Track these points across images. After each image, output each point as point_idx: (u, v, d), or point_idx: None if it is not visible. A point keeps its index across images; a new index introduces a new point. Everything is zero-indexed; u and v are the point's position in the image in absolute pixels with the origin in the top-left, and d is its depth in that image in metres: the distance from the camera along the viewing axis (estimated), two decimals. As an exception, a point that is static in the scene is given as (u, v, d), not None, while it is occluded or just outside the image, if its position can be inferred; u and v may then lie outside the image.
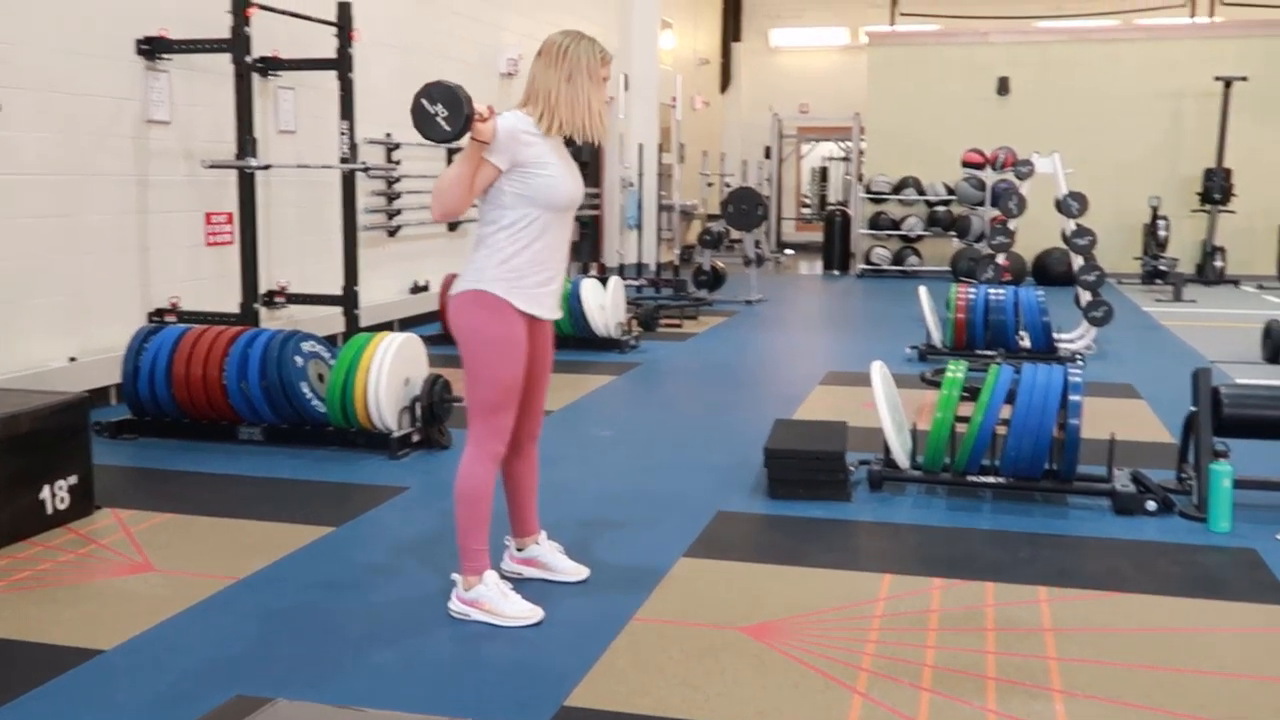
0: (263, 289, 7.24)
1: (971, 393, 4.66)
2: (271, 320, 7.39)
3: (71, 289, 6.04)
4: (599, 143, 3.35)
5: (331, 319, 7.52)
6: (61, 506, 4.10)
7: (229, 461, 5.06)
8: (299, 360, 5.28)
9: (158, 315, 6.49)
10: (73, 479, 4.15)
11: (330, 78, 7.17)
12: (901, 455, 4.68)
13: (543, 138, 3.25)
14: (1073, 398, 4.43)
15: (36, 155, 5.79)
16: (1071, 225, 8.51)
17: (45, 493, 4.03)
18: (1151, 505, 4.39)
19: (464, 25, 10.39)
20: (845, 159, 20.81)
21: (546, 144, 3.26)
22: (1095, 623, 3.35)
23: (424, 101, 3.07)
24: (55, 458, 4.08)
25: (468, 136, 3.11)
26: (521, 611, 3.30)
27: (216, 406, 5.33)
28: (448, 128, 3.06)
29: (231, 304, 6.54)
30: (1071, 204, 8.51)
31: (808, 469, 4.56)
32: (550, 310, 3.38)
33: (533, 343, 3.37)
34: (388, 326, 8.68)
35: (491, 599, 3.30)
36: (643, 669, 3.00)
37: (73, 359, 5.95)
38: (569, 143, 3.38)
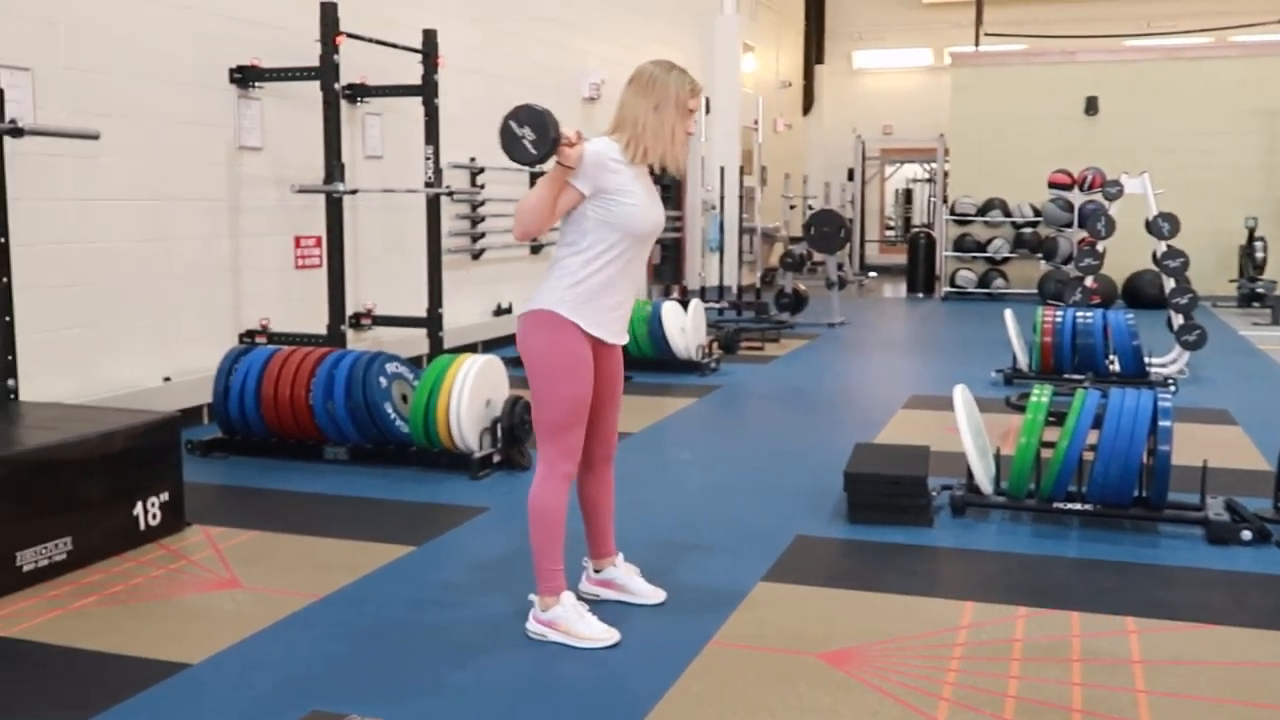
0: (350, 311, 7.38)
1: (1058, 417, 4.57)
2: (358, 341, 7.53)
3: (166, 311, 6.22)
4: (681, 174, 3.36)
5: (416, 340, 7.64)
6: (153, 522, 4.21)
7: (314, 480, 5.16)
8: (383, 381, 5.36)
9: (248, 336, 6.65)
10: (164, 496, 4.26)
11: (416, 104, 7.32)
12: (985, 480, 4.60)
13: (628, 165, 3.28)
14: (1162, 423, 4.31)
15: (133, 182, 5.98)
16: (1162, 247, 8.32)
17: (138, 509, 4.15)
18: (1246, 535, 4.26)
19: (547, 51, 10.51)
20: (930, 181, 20.62)
21: (631, 172, 3.28)
22: (1186, 656, 3.25)
23: (512, 124, 3.10)
24: (148, 475, 4.20)
25: (553, 160, 3.15)
26: (598, 633, 3.30)
27: (303, 426, 5.44)
28: (534, 151, 3.09)
29: (320, 325, 6.67)
30: (1162, 225, 8.32)
31: (888, 494, 4.50)
32: (617, 335, 3.39)
33: (600, 364, 3.38)
34: (471, 348, 8.79)
35: (568, 620, 3.31)
36: (718, 694, 2.98)
37: (167, 379, 6.12)
38: (654, 172, 3.40)
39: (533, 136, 3.08)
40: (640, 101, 3.25)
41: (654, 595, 3.64)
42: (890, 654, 3.24)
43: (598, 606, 3.51)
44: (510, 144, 3.11)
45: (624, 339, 3.44)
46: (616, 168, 3.24)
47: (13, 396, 4.58)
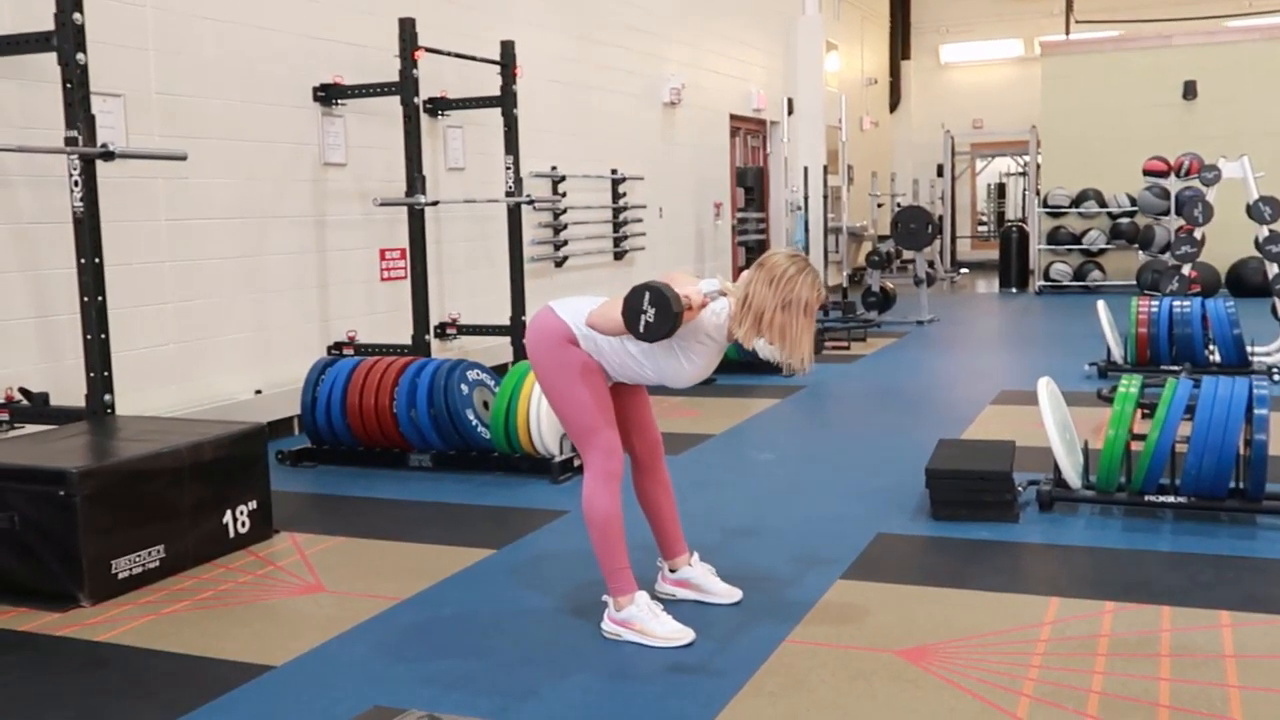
0: (435, 321, 7.50)
1: (1152, 409, 4.44)
2: (444, 351, 7.64)
3: (256, 325, 6.38)
4: (799, 370, 3.31)
5: (501, 349, 7.72)
6: (242, 530, 4.32)
7: (399, 487, 5.24)
8: (464, 388, 5.43)
9: (336, 348, 6.79)
10: (252, 504, 4.37)
11: (496, 115, 7.41)
12: (1072, 474, 4.49)
13: (721, 341, 3.31)
14: (1258, 411, 4.16)
15: (222, 200, 6.15)
16: (1264, 231, 8.03)
17: (228, 517, 4.26)
18: (1351, 526, 4.09)
19: (626, 58, 10.56)
20: (1023, 174, 20.20)
21: (717, 345, 3.33)
22: (1283, 650, 3.13)
23: (642, 298, 3.08)
24: (236, 484, 4.31)
25: None
26: (672, 632, 3.29)
27: (388, 434, 5.53)
28: (644, 334, 3.11)
29: (405, 336, 6.78)
30: (1263, 209, 8.03)
31: (971, 489, 4.42)
32: (620, 379, 3.42)
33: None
34: (556, 355, 8.84)
35: (642, 619, 3.31)
36: (793, 692, 2.95)
37: (258, 391, 6.28)
38: None
39: (653, 320, 3.09)
40: (769, 294, 3.18)
41: (730, 594, 3.62)
42: (971, 650, 3.18)
43: (674, 606, 3.51)
44: (631, 316, 3.11)
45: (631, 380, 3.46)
46: (706, 340, 3.29)
47: (110, 410, 4.73)
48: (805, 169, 12.92)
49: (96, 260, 4.69)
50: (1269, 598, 3.54)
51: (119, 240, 5.40)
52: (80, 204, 4.63)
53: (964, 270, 17.77)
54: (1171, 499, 4.35)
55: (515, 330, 7.38)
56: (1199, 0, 16.78)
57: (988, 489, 4.40)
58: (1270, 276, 8.06)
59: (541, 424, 5.20)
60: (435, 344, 7.45)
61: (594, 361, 3.33)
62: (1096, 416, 6.12)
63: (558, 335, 3.33)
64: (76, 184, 4.62)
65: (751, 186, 13.17)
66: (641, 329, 3.11)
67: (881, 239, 13.81)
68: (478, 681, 3.08)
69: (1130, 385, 4.49)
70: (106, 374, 4.73)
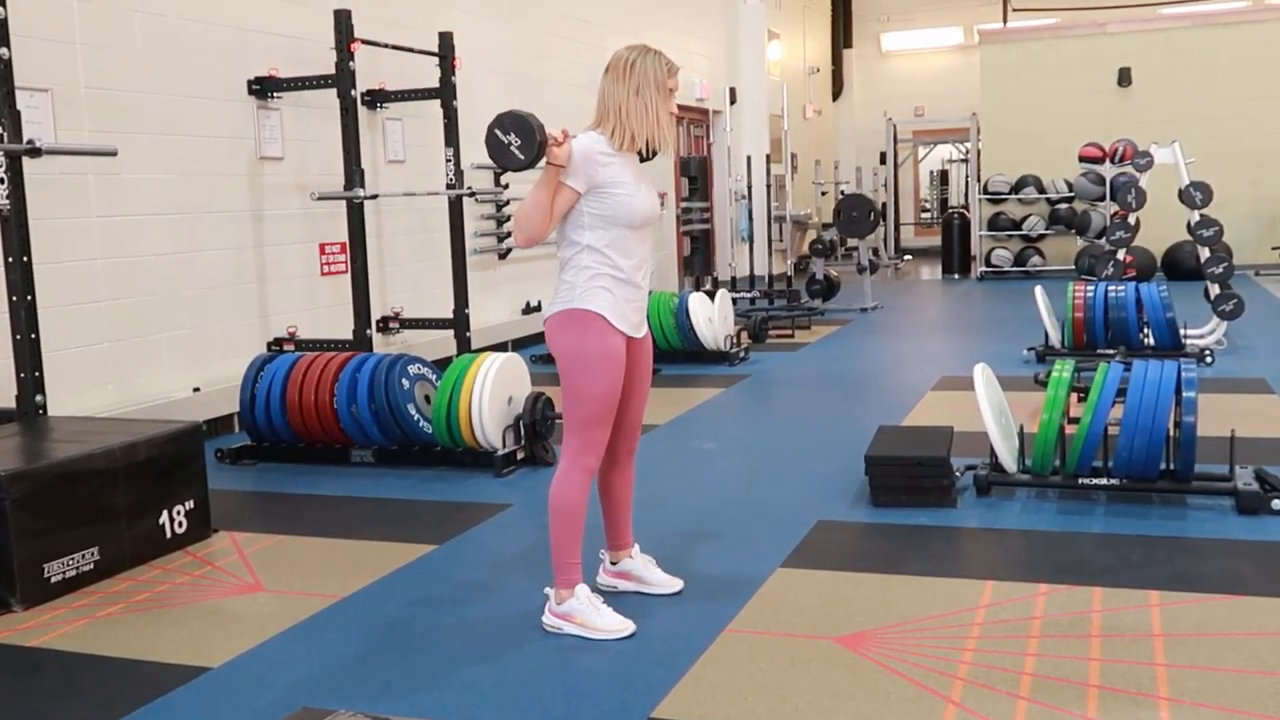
0: (377, 315, 7.45)
1: (1086, 393, 4.51)
2: (387, 345, 7.59)
3: (194, 322, 6.30)
4: (666, 152, 3.35)
5: (445, 342, 7.69)
6: (180, 530, 4.27)
7: (341, 484, 5.20)
8: (405, 383, 5.40)
9: (276, 344, 6.72)
10: (189, 504, 4.32)
11: (436, 106, 7.36)
12: (1008, 459, 4.56)
13: (617, 156, 3.28)
14: (1187, 394, 4.25)
15: (157, 195, 6.06)
16: (1195, 216, 8.18)
17: (164, 517, 4.21)
18: (1277, 504, 4.18)
19: (567, 47, 10.52)
20: (965, 161, 20.41)
21: (620, 161, 3.29)
22: (1209, 628, 3.20)
23: (497, 132, 3.11)
24: (172, 484, 4.26)
25: (544, 162, 3.15)
26: (613, 624, 3.30)
27: (329, 431, 5.49)
28: (521, 156, 3.10)
29: (347, 331, 6.72)
30: (1194, 194, 8.18)
31: (910, 475, 4.47)
32: (636, 327, 3.39)
33: (632, 356, 3.39)
34: (501, 347, 8.83)
35: (583, 612, 3.32)
36: (731, 680, 2.97)
37: (197, 389, 6.20)
38: (644, 157, 3.40)
39: (519, 142, 3.08)
40: (619, 88, 3.26)
41: (671, 585, 3.64)
42: (907, 635, 3.22)
43: (616, 598, 3.52)
44: (498, 152, 3.12)
45: (643, 330, 3.44)
46: (606, 160, 3.24)
47: (41, 411, 4.65)
48: (749, 158, 12.96)
49: (25, 259, 4.60)
50: (1196, 576, 3.62)
51: (49, 238, 5.30)
52: (6, 201, 4.54)
53: (907, 257, 17.95)
54: (1104, 481, 4.43)
55: (459, 323, 7.35)
56: (1134, -12, 17.05)
57: (925, 475, 4.45)
58: (1202, 260, 8.22)
59: (484, 417, 5.18)
60: (378, 338, 7.41)
61: (615, 335, 3.27)
62: (1034, 401, 6.19)
63: (565, 319, 3.28)
64: (2, 181, 4.53)
65: (695, 176, 13.19)
66: (517, 155, 3.08)
67: (825, 227, 13.90)
68: (416, 678, 3.08)
69: (1063, 370, 4.56)
70: (37, 374, 4.65)
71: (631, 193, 3.27)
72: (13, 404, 4.70)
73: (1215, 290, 8.00)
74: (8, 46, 4.50)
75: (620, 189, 3.25)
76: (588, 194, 3.24)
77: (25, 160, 4.58)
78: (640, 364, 3.46)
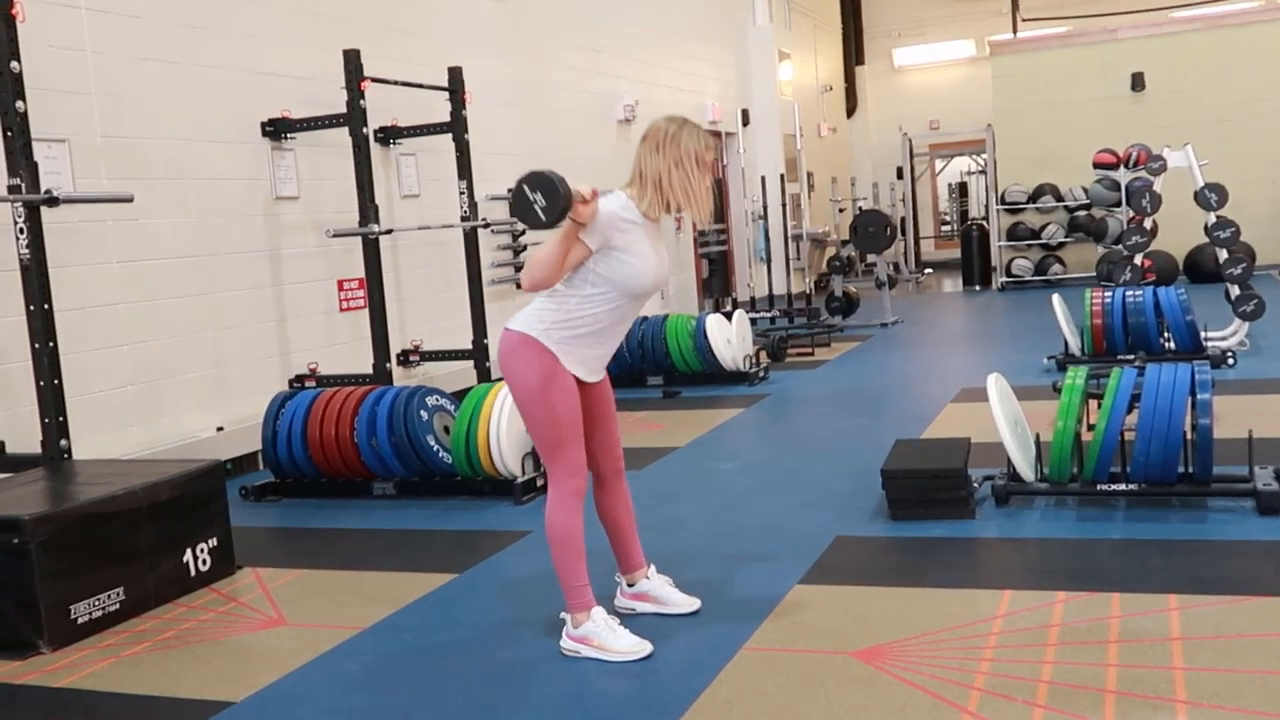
0: (397, 348, 7.52)
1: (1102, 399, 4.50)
2: (408, 378, 7.65)
3: (216, 362, 6.38)
4: (705, 224, 3.39)
5: (466, 373, 7.74)
6: (204, 568, 4.32)
7: (362, 516, 5.25)
8: (424, 414, 5.45)
9: (298, 381, 6.79)
10: (213, 541, 4.37)
11: (448, 140, 7.44)
12: (1025, 468, 4.55)
13: (640, 223, 3.32)
14: (1201, 396, 4.23)
15: (176, 239, 6.15)
16: (1211, 218, 8.15)
17: (188, 556, 4.26)
18: (1298, 504, 4.16)
19: (578, 77, 10.61)
20: (982, 172, 20.38)
21: (641, 229, 3.33)
22: (1228, 630, 3.18)
23: (525, 188, 3.13)
24: (195, 522, 4.31)
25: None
26: (629, 646, 3.32)
27: (350, 464, 5.54)
28: (544, 217, 3.13)
29: (367, 366, 6.78)
30: (1209, 196, 8.15)
31: (927, 488, 4.47)
32: (593, 374, 3.44)
33: (587, 393, 3.44)
34: (521, 376, 8.85)
35: (600, 635, 3.34)
36: (746, 699, 2.98)
37: (220, 428, 6.27)
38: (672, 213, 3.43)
39: (543, 202, 3.11)
40: (658, 159, 3.29)
41: (688, 604, 3.65)
42: (924, 647, 3.22)
43: (634, 620, 3.54)
44: (523, 210, 3.15)
45: (598, 377, 3.49)
46: (627, 226, 3.29)
47: (66, 455, 4.73)
48: (763, 178, 13.01)
49: (46, 306, 4.69)
50: (1215, 579, 3.60)
51: (71, 284, 5.40)
52: (26, 251, 4.63)
53: (928, 270, 17.91)
54: (1123, 487, 4.41)
55: (478, 354, 7.40)
56: (1144, -7, 17.03)
57: (942, 487, 4.45)
58: (1220, 262, 8.17)
59: (502, 446, 5.22)
60: (399, 371, 7.47)
61: (563, 371, 3.34)
62: (1054, 409, 6.18)
63: (520, 346, 3.33)
64: (22, 231, 4.63)
65: (717, 198, 13.23)
66: (543, 216, 3.12)
67: (844, 243, 13.91)
68: (433, 706, 3.10)
69: (1076, 377, 4.56)
70: (61, 419, 4.72)
71: (641, 263, 3.31)
72: (38, 449, 4.77)
73: (1235, 291, 7.96)
74: (24, 99, 4.60)
75: (632, 257, 3.29)
76: (599, 253, 3.28)
77: (45, 209, 4.68)
78: (599, 391, 3.50)
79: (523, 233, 9.34)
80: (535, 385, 3.31)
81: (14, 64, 4.56)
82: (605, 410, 3.54)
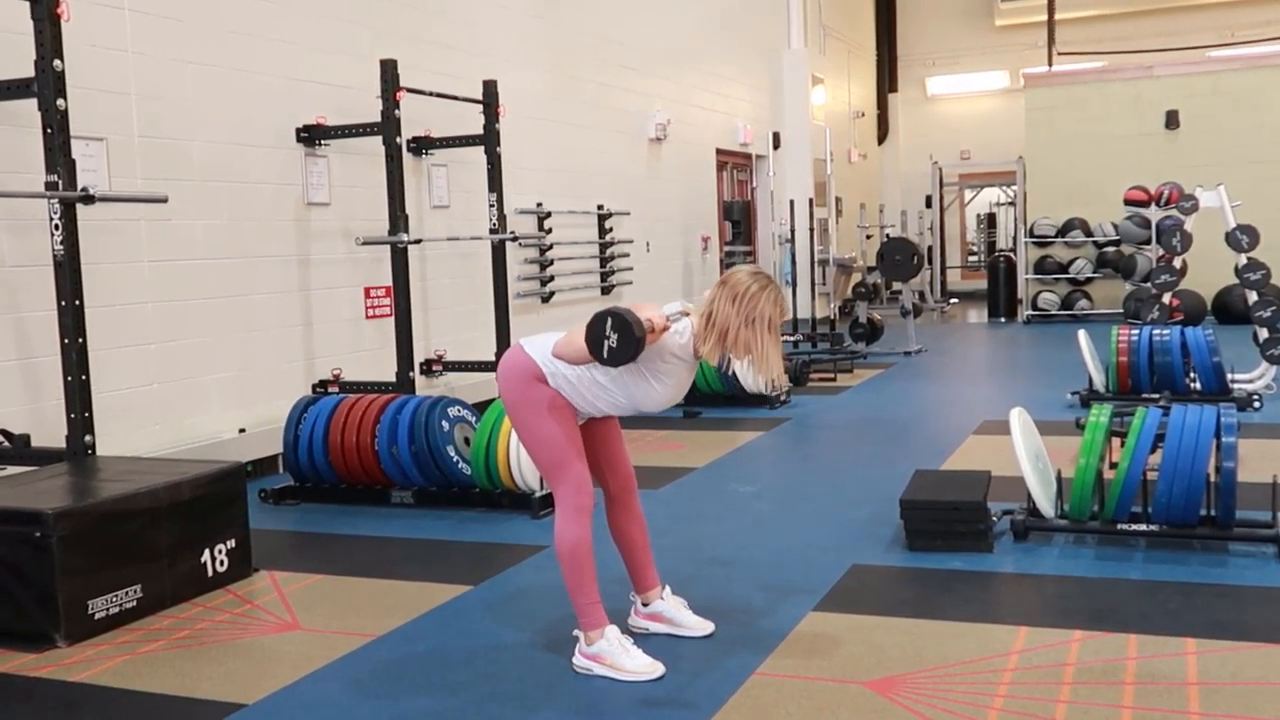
0: (421, 358, 7.54)
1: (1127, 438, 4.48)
2: (430, 388, 7.67)
3: (241, 364, 6.42)
4: (775, 385, 3.38)
5: (487, 385, 7.76)
6: (221, 569, 4.34)
7: (380, 524, 5.26)
8: (445, 425, 5.47)
9: (321, 386, 6.82)
10: (231, 543, 4.39)
11: (480, 152, 7.48)
12: (1045, 503, 4.52)
13: (686, 360, 3.35)
14: (1226, 439, 4.21)
15: (207, 240, 6.21)
16: (1242, 259, 8.09)
17: (206, 556, 4.28)
18: (1321, 552, 4.12)
19: (612, 94, 10.66)
20: (1012, 204, 20.33)
21: (684, 364, 3.37)
22: (1246, 676, 3.15)
23: (608, 324, 3.16)
24: (215, 523, 4.34)
25: None
26: (642, 666, 3.32)
27: (370, 472, 5.56)
28: (609, 359, 3.19)
29: (391, 374, 6.81)
30: (1240, 237, 8.10)
31: (946, 520, 4.45)
32: (597, 410, 3.44)
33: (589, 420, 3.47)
34: (543, 390, 8.86)
35: (612, 654, 3.34)
36: (758, 724, 2.97)
37: (242, 430, 6.31)
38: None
39: (615, 345, 3.16)
40: (732, 311, 3.24)
41: (702, 627, 3.64)
42: (938, 680, 3.20)
43: (646, 640, 3.53)
44: (595, 342, 3.19)
45: (602, 414, 3.50)
46: (673, 360, 3.33)
47: (90, 451, 4.76)
48: (791, 202, 13.02)
49: (77, 302, 4.73)
50: (1235, 624, 3.57)
51: (102, 282, 5.45)
52: (60, 247, 4.68)
53: (953, 300, 17.86)
54: (1144, 527, 4.38)
55: (500, 366, 7.41)
56: (1181, 31, 16.98)
57: (961, 519, 4.43)
58: (1250, 304, 8.12)
59: (522, 460, 5.23)
60: (421, 381, 7.49)
61: (562, 398, 3.37)
62: (1076, 445, 6.15)
63: (526, 372, 3.37)
64: (57, 227, 4.68)
65: (738, 220, 13.27)
66: (605, 354, 3.17)
67: (870, 270, 13.90)
68: (446, 717, 3.10)
69: (1100, 415, 4.54)
70: (87, 415, 4.76)
71: (661, 392, 3.37)
72: (63, 444, 4.81)
73: (1264, 334, 7.90)
74: (65, 98, 4.65)
75: (656, 383, 3.34)
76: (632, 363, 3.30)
77: (80, 207, 4.73)
78: (600, 421, 3.52)
79: (550, 247, 9.38)
80: (531, 408, 3.35)
81: (57, 62, 4.62)
82: (607, 426, 3.55)
